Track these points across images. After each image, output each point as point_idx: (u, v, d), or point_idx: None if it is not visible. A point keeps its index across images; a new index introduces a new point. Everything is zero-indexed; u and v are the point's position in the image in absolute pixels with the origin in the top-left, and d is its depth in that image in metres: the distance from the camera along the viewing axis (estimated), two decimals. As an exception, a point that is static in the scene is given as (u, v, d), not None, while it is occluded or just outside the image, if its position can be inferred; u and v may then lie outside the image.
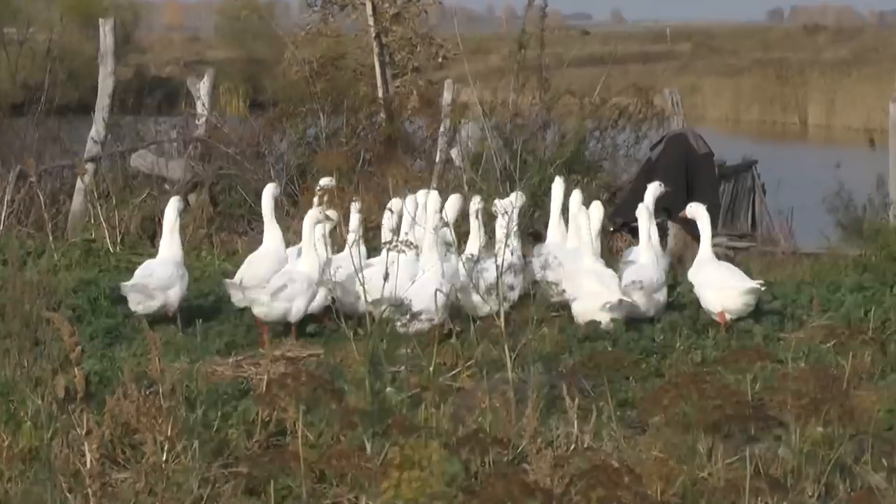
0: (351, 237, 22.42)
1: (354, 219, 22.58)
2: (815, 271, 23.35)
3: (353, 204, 22.05)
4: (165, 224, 23.97)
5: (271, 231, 24.59)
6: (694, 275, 23.55)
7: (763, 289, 22.76)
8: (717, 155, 31.62)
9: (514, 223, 21.32)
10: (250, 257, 24.51)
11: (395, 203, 22.94)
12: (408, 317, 19.14)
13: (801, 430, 11.22)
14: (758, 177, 29.13)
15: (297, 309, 21.88)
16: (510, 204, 22.00)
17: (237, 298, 22.81)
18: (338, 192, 24.77)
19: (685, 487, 10.39)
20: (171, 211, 23.99)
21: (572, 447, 12.58)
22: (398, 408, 14.14)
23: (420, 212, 22.84)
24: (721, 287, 22.80)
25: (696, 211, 24.32)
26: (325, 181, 23.88)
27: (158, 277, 22.91)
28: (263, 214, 24.51)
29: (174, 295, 22.74)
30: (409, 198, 22.67)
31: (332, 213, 22.24)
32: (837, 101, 46.30)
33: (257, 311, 21.99)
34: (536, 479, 10.02)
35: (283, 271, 23.07)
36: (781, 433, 11.37)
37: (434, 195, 22.87)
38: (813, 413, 11.29)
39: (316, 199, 23.06)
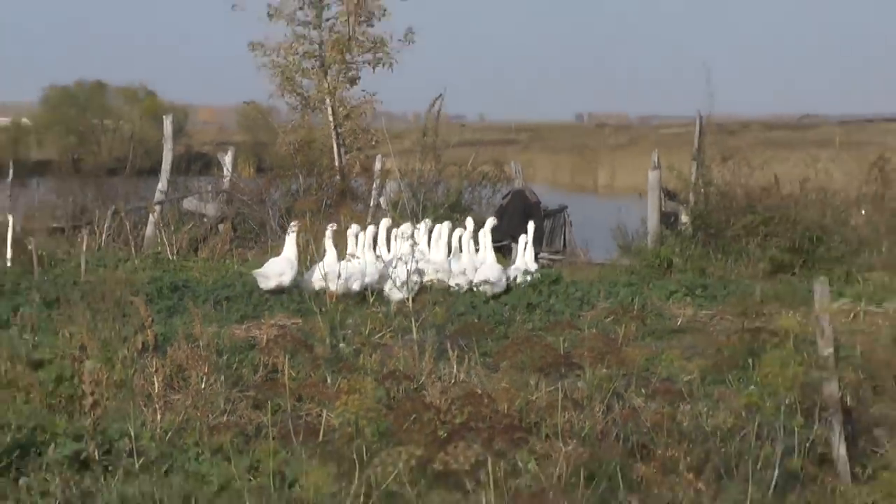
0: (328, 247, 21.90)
1: (328, 240, 21.69)
2: (602, 274, 23.20)
3: (327, 229, 21.88)
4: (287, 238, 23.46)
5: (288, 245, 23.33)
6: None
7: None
8: (542, 202, 31.71)
9: (416, 243, 21.45)
10: (271, 260, 23.47)
11: (352, 229, 22.37)
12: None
13: (593, 372, 11.14)
14: (567, 216, 29.14)
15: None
16: (412, 230, 22.19)
17: (265, 283, 22.39)
18: (310, 225, 25.04)
19: (521, 406, 10.35)
20: (291, 236, 23.44)
21: (452, 381, 12.48)
22: (347, 356, 14.20)
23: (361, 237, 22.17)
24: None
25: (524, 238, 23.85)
26: (294, 224, 23.16)
27: (273, 269, 22.49)
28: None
29: (285, 279, 22.57)
30: (352, 228, 22.32)
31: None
32: (617, 170, 46.25)
33: (265, 285, 22.38)
34: (431, 401, 10.00)
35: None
36: (580, 373, 11.31)
37: (371, 228, 22.81)
38: (600, 361, 11.30)
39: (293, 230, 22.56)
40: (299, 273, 22.59)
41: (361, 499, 8.85)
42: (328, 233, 22.52)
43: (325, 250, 22.29)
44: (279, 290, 21.99)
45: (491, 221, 24.80)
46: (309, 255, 23.44)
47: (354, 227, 22.52)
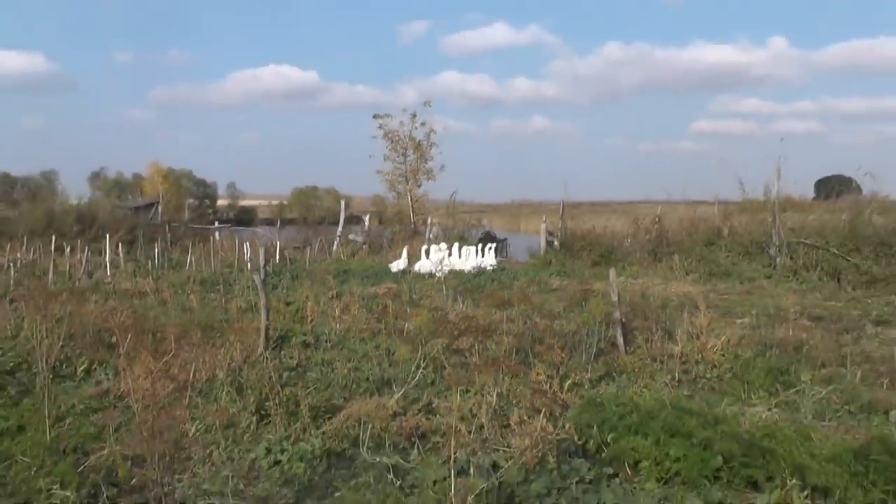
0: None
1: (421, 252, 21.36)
2: (523, 267, 22.76)
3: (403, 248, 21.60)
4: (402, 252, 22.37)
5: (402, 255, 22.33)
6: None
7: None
8: (497, 236, 31.08)
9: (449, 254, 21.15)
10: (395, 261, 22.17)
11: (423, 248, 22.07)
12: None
13: (518, 306, 10.98)
14: (507, 243, 28.37)
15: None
16: (446, 248, 21.90)
17: (393, 268, 21.55)
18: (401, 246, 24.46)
19: (489, 321, 10.16)
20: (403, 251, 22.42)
21: (461, 311, 12.13)
22: (416, 300, 13.96)
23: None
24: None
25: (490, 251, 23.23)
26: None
27: (396, 263, 21.72)
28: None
29: (401, 267, 21.21)
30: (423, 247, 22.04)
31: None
32: (528, 223, 44.50)
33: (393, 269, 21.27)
34: (451, 319, 9.83)
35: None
36: (526, 306, 11.10)
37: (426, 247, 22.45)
38: (521, 302, 11.15)
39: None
40: (407, 265, 21.53)
41: (423, 359, 8.84)
42: (404, 250, 22.12)
43: (410, 256, 21.95)
44: (397, 272, 20.91)
45: (490, 244, 24.28)
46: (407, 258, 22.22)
47: (424, 247, 22.38)
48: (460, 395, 7.59)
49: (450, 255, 21.89)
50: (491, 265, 22.34)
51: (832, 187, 30.64)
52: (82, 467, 5.82)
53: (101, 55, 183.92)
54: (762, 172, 24.53)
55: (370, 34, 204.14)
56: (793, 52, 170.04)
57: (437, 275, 18.49)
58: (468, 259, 22.04)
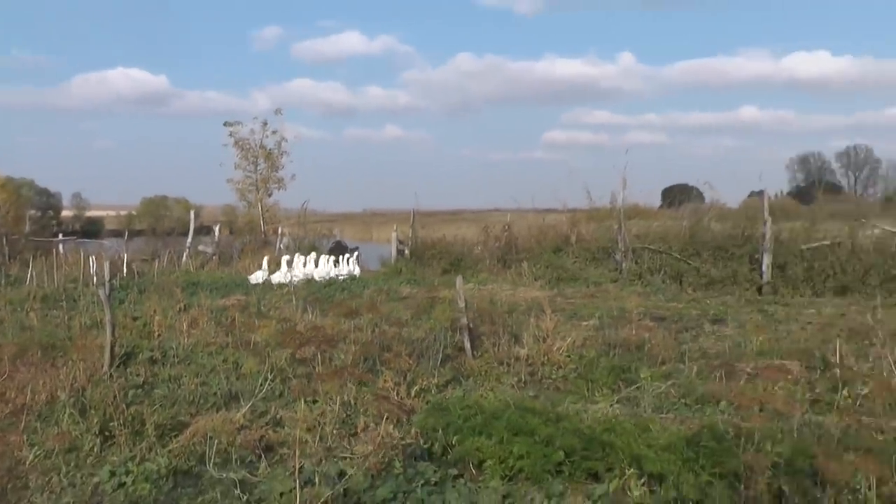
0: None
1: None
2: (374, 276, 22.62)
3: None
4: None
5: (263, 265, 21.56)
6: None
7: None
8: (349, 245, 30.83)
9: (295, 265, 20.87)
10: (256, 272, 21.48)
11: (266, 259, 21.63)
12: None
13: (367, 315, 10.99)
14: (357, 249, 27.87)
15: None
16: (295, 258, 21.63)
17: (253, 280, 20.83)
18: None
19: (337, 330, 10.12)
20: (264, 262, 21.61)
21: (310, 321, 12.00)
22: (265, 311, 13.70)
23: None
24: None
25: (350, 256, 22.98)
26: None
27: (255, 275, 21.07)
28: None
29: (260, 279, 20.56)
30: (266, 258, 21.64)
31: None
32: (380, 232, 44.22)
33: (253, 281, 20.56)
34: (298, 329, 9.75)
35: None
36: (374, 315, 11.09)
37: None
38: (369, 311, 11.16)
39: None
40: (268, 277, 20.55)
41: (269, 372, 8.75)
42: (264, 261, 21.69)
43: (262, 267, 21.48)
44: (257, 284, 20.00)
45: (347, 252, 24.17)
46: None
47: (268, 258, 21.96)
48: (306, 405, 7.60)
49: (305, 265, 21.63)
50: (351, 274, 22.09)
51: (675, 196, 31.60)
52: None
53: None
54: (610, 182, 25.11)
55: (222, 39, 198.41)
56: (640, 67, 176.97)
57: (289, 286, 18.06)
58: (323, 268, 21.83)
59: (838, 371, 8.70)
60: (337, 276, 21.61)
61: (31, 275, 20.81)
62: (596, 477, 5.85)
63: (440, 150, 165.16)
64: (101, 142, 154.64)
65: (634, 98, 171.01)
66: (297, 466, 5.52)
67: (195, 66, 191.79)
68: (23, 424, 6.32)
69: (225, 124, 37.69)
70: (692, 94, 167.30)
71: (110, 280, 11.15)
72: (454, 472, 6.03)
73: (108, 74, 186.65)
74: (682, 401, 8.15)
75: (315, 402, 7.75)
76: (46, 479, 6.10)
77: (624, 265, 21.23)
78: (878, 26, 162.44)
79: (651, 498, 5.49)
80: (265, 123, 37.41)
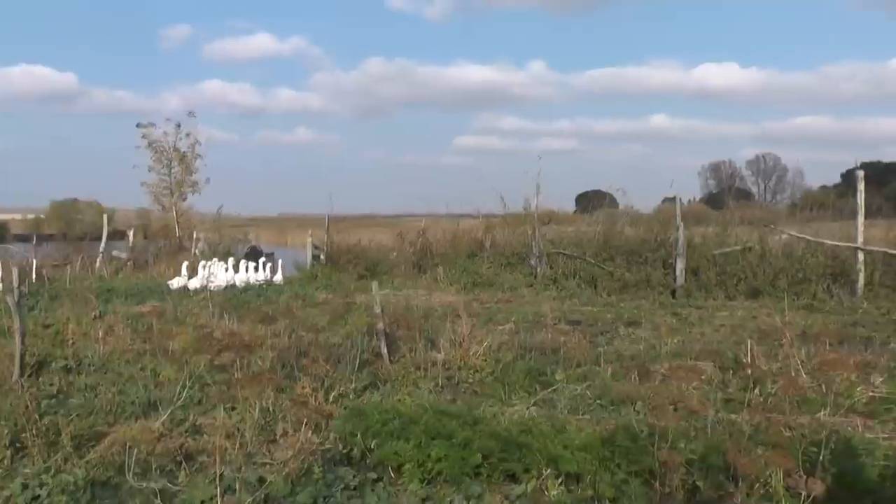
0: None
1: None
2: (290, 281, 22.43)
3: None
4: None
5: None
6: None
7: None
8: (264, 250, 30.47)
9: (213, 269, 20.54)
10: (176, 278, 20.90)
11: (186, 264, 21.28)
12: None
13: (284, 320, 10.93)
14: (273, 254, 27.28)
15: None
16: (211, 264, 21.32)
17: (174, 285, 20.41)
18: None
19: (255, 336, 10.04)
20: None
21: (227, 327, 11.86)
22: (180, 318, 13.52)
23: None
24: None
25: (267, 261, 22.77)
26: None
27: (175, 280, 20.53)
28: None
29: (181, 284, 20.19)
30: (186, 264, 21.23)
31: None
32: (295, 237, 42.39)
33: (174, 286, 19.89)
34: (215, 335, 9.66)
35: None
36: (290, 320, 11.04)
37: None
38: (285, 316, 11.13)
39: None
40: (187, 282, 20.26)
41: (188, 380, 8.65)
42: (184, 266, 21.32)
43: (181, 273, 21.07)
44: (177, 290, 19.75)
45: (263, 257, 23.82)
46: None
47: (187, 263, 21.66)
48: (225, 412, 7.58)
49: (226, 270, 21.34)
50: (269, 280, 21.88)
51: (590, 201, 31.73)
52: None
53: None
54: (523, 187, 25.21)
55: (131, 36, 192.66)
56: (551, 74, 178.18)
57: (205, 291, 17.89)
58: (242, 274, 21.58)
59: (750, 371, 8.96)
60: (256, 281, 21.39)
61: (-70, 283, 20.05)
62: (514, 478, 5.97)
63: (351, 153, 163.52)
64: (4, 141, 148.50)
65: (545, 104, 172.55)
66: (218, 474, 5.52)
67: (104, 63, 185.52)
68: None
69: (138, 126, 36.82)
70: (603, 102, 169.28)
71: (19, 286, 10.87)
72: (373, 476, 6.09)
73: (8, 71, 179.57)
74: (598, 402, 8.31)
75: (234, 408, 7.71)
76: (-47, 496, 5.93)
77: (539, 270, 21.41)
78: (783, 39, 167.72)
79: (568, 497, 5.63)
80: (178, 125, 36.62)
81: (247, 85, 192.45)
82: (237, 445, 6.65)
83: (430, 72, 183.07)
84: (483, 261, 22.63)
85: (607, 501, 5.48)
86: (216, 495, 5.30)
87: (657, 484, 5.54)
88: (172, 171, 36.90)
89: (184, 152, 36.78)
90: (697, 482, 5.59)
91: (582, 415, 7.84)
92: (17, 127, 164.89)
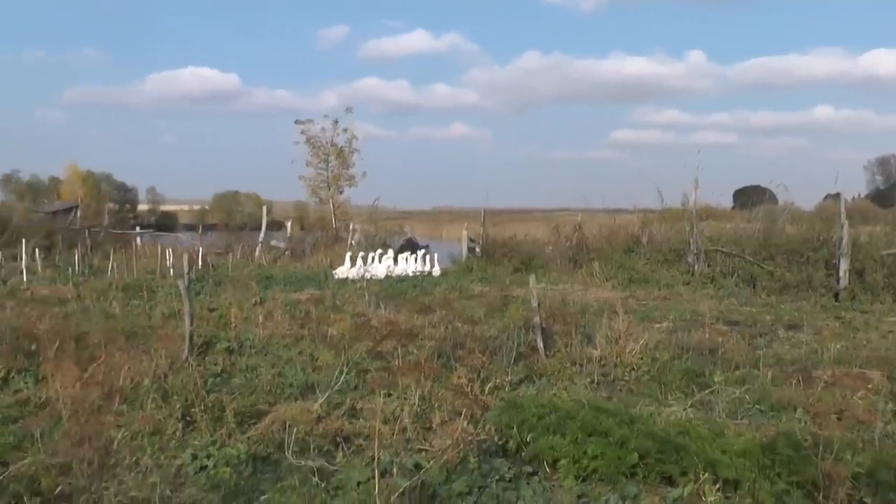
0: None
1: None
2: (446, 274, 22.61)
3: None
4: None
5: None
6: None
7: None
8: (420, 242, 30.97)
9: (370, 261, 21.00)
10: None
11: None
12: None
13: (441, 311, 11.03)
14: (428, 247, 27.57)
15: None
16: (368, 255, 21.82)
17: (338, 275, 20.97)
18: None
19: (412, 326, 10.14)
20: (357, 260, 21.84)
21: (384, 316, 12.09)
22: (339, 305, 13.87)
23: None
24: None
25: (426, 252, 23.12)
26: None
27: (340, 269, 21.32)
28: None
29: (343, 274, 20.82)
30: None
31: None
32: (451, 229, 43.10)
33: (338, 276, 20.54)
34: (373, 324, 9.82)
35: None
36: (447, 311, 11.10)
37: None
38: (442, 307, 11.21)
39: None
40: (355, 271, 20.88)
41: (345, 365, 8.86)
42: (347, 256, 21.98)
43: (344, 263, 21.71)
44: (341, 279, 20.36)
45: (421, 249, 24.40)
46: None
47: (350, 254, 22.28)
48: (383, 398, 7.70)
49: (382, 260, 21.89)
50: (425, 272, 22.24)
51: (748, 197, 31.04)
52: (1, 477, 5.70)
53: (11, 53, 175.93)
54: (681, 182, 24.66)
55: (291, 38, 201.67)
56: (710, 66, 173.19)
57: (361, 281, 18.23)
58: (401, 265, 22.07)
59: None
60: (414, 272, 21.81)
61: (112, 265, 21.47)
62: (670, 480, 5.79)
63: (505, 147, 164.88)
64: (173, 138, 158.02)
65: (703, 97, 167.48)
66: (376, 457, 5.59)
67: (264, 65, 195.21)
68: (115, 406, 6.50)
69: (296, 122, 38.39)
70: (763, 93, 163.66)
71: (188, 272, 11.48)
72: (528, 469, 6.05)
73: (178, 73, 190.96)
74: (757, 406, 8.02)
75: (390, 395, 7.85)
76: (134, 458, 6.29)
77: (696, 267, 20.95)
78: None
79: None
80: (336, 122, 37.90)
81: (403, 82, 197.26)
82: (395, 431, 6.75)
83: (585, 65, 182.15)
84: (640, 257, 22.28)
85: (765, 511, 5.22)
86: (373, 477, 5.35)
87: (820, 497, 5.27)
88: (329, 165, 38.17)
89: (341, 147, 37.98)
90: (865, 499, 5.27)
91: (740, 419, 7.56)
92: (184, 125, 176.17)
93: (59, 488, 5.33)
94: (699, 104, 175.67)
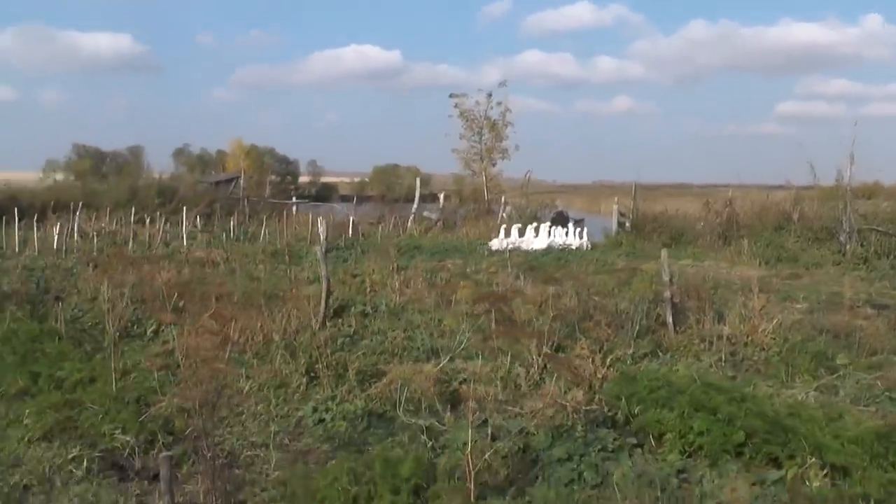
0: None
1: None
2: (596, 247, 22.48)
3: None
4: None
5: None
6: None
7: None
8: (571, 216, 30.83)
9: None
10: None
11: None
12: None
13: (571, 284, 11.12)
14: (582, 221, 27.52)
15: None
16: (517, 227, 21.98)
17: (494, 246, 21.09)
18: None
19: (541, 295, 10.29)
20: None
21: (511, 285, 12.27)
22: (471, 273, 14.19)
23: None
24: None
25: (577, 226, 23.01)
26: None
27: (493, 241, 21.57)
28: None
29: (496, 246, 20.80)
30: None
31: None
32: (603, 204, 41.55)
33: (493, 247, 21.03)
34: (496, 293, 10.05)
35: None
36: (576, 283, 11.19)
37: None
38: (573, 280, 11.33)
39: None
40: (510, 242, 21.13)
41: (468, 331, 9.16)
42: (501, 228, 22.20)
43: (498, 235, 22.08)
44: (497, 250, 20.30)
45: (571, 223, 24.50)
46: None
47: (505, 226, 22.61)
48: (500, 363, 7.97)
49: (537, 234, 22.15)
50: (573, 245, 22.16)
51: None
52: (143, 416, 6.37)
53: (186, 38, 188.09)
54: (840, 157, 23.38)
55: (453, 14, 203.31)
56: (887, 30, 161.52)
57: (505, 252, 18.29)
58: (552, 237, 22.27)
59: None
60: (561, 245, 21.89)
61: (265, 232, 22.64)
62: (776, 462, 5.69)
63: (668, 121, 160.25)
64: (335, 114, 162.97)
65: (878, 64, 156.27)
66: (483, 419, 5.84)
67: (427, 41, 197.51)
68: (227, 355, 7.02)
69: (450, 96, 38.70)
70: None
71: (325, 238, 12.08)
72: (633, 441, 6.14)
73: (341, 52, 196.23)
74: (887, 394, 7.72)
75: (505, 361, 8.11)
76: (258, 408, 6.89)
77: (848, 247, 19.96)
78: None
79: (831, 491, 5.23)
80: (489, 95, 38.03)
81: (566, 55, 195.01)
82: (505, 396, 7.00)
83: (752, 33, 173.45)
84: (789, 234, 21.39)
85: (873, 502, 5.01)
86: (479, 439, 5.60)
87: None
88: (483, 138, 38.39)
89: (494, 120, 38.15)
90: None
91: (865, 406, 7.34)
92: (347, 102, 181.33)
93: (189, 429, 5.89)
94: (873, 73, 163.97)
